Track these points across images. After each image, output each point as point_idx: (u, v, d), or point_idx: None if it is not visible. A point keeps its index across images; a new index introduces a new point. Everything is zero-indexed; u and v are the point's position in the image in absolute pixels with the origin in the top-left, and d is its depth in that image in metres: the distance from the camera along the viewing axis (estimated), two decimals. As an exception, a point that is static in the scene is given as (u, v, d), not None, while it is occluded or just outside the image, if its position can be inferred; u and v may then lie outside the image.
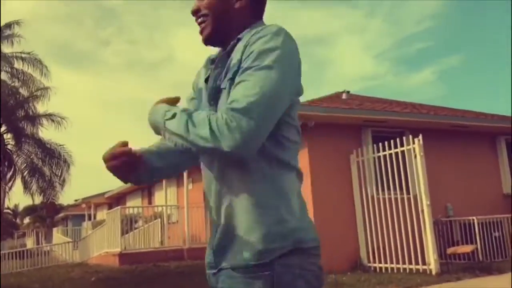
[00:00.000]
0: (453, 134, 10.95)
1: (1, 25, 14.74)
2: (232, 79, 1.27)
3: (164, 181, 15.48)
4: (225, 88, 1.31)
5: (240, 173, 1.27)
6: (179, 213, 14.16)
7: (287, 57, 1.25)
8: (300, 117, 6.35)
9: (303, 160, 9.50)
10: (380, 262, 8.92)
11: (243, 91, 1.17)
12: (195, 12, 1.44)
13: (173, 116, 1.23)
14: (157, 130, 1.30)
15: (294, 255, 1.24)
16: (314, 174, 9.31)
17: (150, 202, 19.34)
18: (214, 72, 1.40)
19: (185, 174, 13.49)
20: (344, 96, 12.10)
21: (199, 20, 1.44)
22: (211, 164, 1.35)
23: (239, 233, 1.26)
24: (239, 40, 1.36)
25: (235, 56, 1.32)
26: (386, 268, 8.77)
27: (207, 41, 1.44)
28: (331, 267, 8.75)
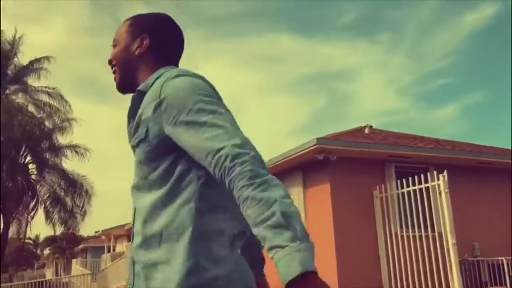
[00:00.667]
0: (478, 171, 10.71)
1: (32, 59, 15.23)
2: (141, 140, 1.28)
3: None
4: (135, 146, 1.32)
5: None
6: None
7: (211, 95, 1.24)
8: (322, 151, 6.31)
9: (324, 195, 9.38)
10: (404, 302, 8.62)
11: (211, 141, 1.14)
12: (109, 62, 1.51)
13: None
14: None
15: None
16: (335, 210, 9.16)
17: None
18: (128, 127, 1.41)
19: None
20: (367, 130, 11.99)
21: (112, 70, 1.50)
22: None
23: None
24: (141, 93, 1.36)
25: (142, 113, 1.31)
26: (411, 309, 8.46)
27: (119, 90, 1.50)
28: (353, 305, 8.49)
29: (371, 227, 9.36)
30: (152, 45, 1.45)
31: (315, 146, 8.98)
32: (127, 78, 1.46)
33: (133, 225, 1.33)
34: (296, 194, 10.36)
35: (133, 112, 1.37)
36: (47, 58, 15.32)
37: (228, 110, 1.24)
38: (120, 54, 1.47)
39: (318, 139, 9.09)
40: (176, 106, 1.21)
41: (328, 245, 9.14)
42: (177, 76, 1.28)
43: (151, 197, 1.25)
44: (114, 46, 1.50)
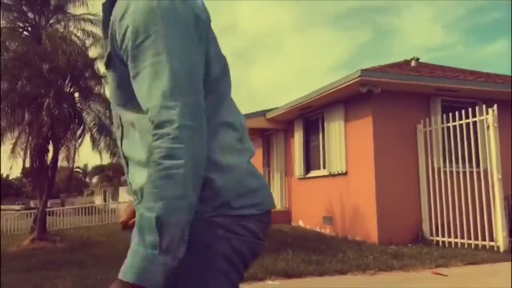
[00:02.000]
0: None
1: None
2: (108, 62, 1.15)
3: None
4: (107, 69, 1.19)
5: None
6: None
7: (170, 21, 1.05)
8: (366, 83, 6.13)
9: (366, 129, 9.23)
10: (443, 236, 8.61)
11: (149, 89, 1.02)
12: None
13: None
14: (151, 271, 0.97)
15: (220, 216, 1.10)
16: (377, 144, 9.04)
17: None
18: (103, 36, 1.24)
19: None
20: (413, 63, 11.52)
21: None
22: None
23: None
24: (108, 4, 1.19)
25: (111, 29, 1.14)
26: (450, 243, 8.45)
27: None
28: (390, 238, 8.57)
29: (413, 161, 9.22)
30: None
31: (359, 78, 8.74)
32: None
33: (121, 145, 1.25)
34: (337, 127, 10.26)
35: (105, 22, 1.20)
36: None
37: (192, 38, 1.07)
38: None
39: (362, 70, 8.81)
40: (126, 31, 1.06)
41: (368, 179, 9.11)
42: None
43: (132, 118, 1.16)
44: None
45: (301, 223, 12.11)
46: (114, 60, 1.14)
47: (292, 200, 12.88)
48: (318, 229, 11.03)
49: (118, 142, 1.25)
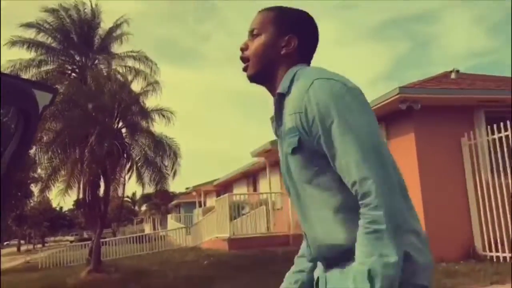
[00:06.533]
0: None
1: (112, 25, 15.89)
2: (294, 148, 1.34)
3: (267, 169, 15.81)
4: (290, 153, 1.37)
5: None
6: (283, 200, 14.38)
7: (350, 103, 1.28)
8: (405, 100, 6.22)
9: (408, 145, 9.17)
10: (497, 251, 8.37)
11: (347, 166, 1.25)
12: (243, 50, 1.50)
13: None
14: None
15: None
16: (422, 160, 8.95)
17: (255, 190, 19.84)
18: (273, 126, 1.49)
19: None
20: (453, 75, 11.39)
21: (244, 58, 1.50)
22: None
23: None
24: (281, 96, 1.40)
25: (288, 120, 1.36)
26: (504, 258, 8.21)
27: (250, 81, 1.51)
28: (441, 255, 8.40)
29: (459, 176, 9.06)
30: (298, 47, 1.47)
31: (397, 96, 8.73)
32: (264, 73, 1.47)
33: (304, 224, 1.46)
34: (379, 145, 10.20)
35: (278, 115, 1.44)
36: (126, 21, 15.88)
37: (368, 114, 1.30)
38: (264, 48, 1.46)
39: (400, 88, 8.81)
40: (314, 120, 1.29)
41: (415, 197, 8.97)
42: (316, 80, 1.32)
43: (326, 199, 1.35)
44: (253, 34, 1.49)
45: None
46: (302, 147, 1.33)
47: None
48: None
49: (294, 200, 1.46)
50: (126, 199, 49.07)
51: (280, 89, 1.41)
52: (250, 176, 20.75)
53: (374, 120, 1.31)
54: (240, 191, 20.31)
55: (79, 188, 14.01)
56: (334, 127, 1.25)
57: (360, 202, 1.23)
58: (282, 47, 1.46)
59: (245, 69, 1.50)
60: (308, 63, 1.51)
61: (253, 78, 1.50)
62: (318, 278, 1.47)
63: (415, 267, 1.29)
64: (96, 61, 15.80)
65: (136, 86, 14.29)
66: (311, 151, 1.32)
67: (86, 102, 12.36)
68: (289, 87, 1.39)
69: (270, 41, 1.46)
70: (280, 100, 1.41)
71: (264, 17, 1.49)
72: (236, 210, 14.06)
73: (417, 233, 1.35)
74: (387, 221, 1.20)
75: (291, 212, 13.33)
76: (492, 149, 8.66)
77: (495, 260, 8.29)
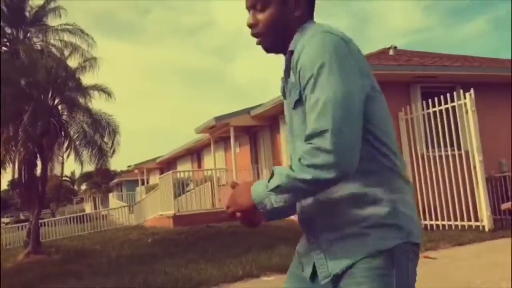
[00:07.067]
0: (508, 87, 10.48)
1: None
2: (298, 101, 1.36)
3: (212, 146, 15.76)
4: (294, 109, 1.40)
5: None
6: (228, 176, 14.45)
7: (335, 61, 1.26)
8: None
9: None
10: (431, 220, 8.84)
11: (313, 119, 1.25)
12: (252, 26, 1.48)
13: (272, 175, 1.31)
14: (263, 205, 1.31)
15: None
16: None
17: (199, 166, 19.80)
18: (282, 85, 1.52)
19: (232, 139, 13.66)
20: (391, 52, 11.73)
21: (256, 34, 1.49)
22: None
23: None
24: (291, 53, 1.40)
25: (292, 75, 1.39)
26: (438, 225, 8.70)
27: (269, 52, 1.52)
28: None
29: (397, 149, 9.41)
30: (307, 3, 1.46)
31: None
32: (282, 41, 1.45)
33: None
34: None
35: (286, 72, 1.45)
36: (61, -5, 15.06)
37: (346, 72, 1.27)
38: (276, 18, 1.44)
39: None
40: (300, 71, 1.31)
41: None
42: (314, 34, 1.33)
43: None
44: (255, 7, 1.46)
45: (293, 217, 12.26)
46: (301, 100, 1.34)
47: (282, 194, 13.04)
48: (309, 221, 11.20)
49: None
50: (65, 178, 47.50)
51: (291, 46, 1.41)
52: (194, 153, 20.65)
53: (355, 80, 1.28)
54: (184, 168, 20.19)
55: (13, 167, 13.40)
56: (311, 80, 1.27)
57: (308, 141, 1.24)
58: (293, 10, 1.44)
59: (259, 43, 1.49)
60: (313, 17, 1.50)
61: (272, 50, 1.50)
62: (313, 263, 1.46)
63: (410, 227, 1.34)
64: (29, 34, 14.95)
65: (73, 61, 13.69)
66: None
67: (19, 78, 11.72)
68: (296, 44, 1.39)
69: (280, 10, 1.44)
70: (290, 58, 1.41)
71: None
72: (181, 187, 13.98)
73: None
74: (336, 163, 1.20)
75: (235, 188, 13.37)
76: (427, 123, 9.06)
77: (429, 228, 8.75)
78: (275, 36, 1.46)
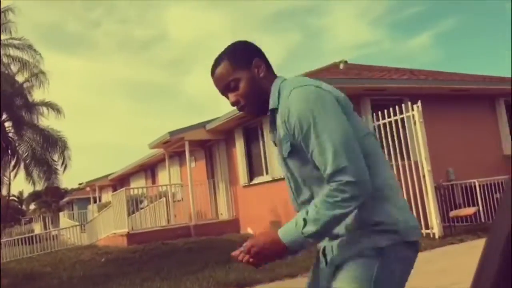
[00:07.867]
0: (453, 99, 10.95)
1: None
2: (291, 151, 1.56)
3: (167, 161, 15.57)
4: (287, 158, 1.60)
5: None
6: (183, 191, 14.28)
7: (322, 108, 1.48)
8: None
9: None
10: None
11: (330, 161, 1.44)
12: (235, 103, 1.68)
13: (306, 222, 1.46)
14: (296, 249, 1.51)
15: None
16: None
17: (154, 182, 19.48)
18: (271, 136, 1.74)
19: (187, 153, 13.55)
20: (341, 66, 12.06)
21: (240, 108, 1.69)
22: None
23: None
24: (273, 111, 1.62)
25: (281, 130, 1.58)
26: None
27: (260, 116, 1.77)
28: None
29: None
30: (264, 62, 1.68)
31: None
32: (260, 104, 1.67)
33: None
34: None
35: (273, 127, 1.67)
36: (10, 9, 14.62)
37: (338, 115, 1.49)
38: (249, 87, 1.64)
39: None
40: (294, 126, 1.50)
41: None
42: (293, 89, 1.53)
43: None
44: (230, 88, 1.65)
45: (249, 231, 12.27)
46: (294, 150, 1.55)
47: (239, 208, 13.03)
48: (266, 235, 11.19)
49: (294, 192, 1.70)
50: (12, 198, 45.61)
51: (272, 104, 1.62)
52: (148, 169, 20.32)
53: (344, 119, 1.49)
54: (138, 185, 19.81)
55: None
56: (310, 130, 1.46)
57: (332, 180, 1.43)
58: (258, 74, 1.65)
59: (245, 111, 1.71)
60: (273, 70, 1.71)
61: (260, 113, 1.72)
62: (324, 247, 1.63)
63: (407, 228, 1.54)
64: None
65: (21, 77, 13.24)
66: (304, 151, 1.52)
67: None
68: (278, 100, 1.59)
69: (250, 79, 1.64)
70: (273, 114, 1.63)
71: (226, 70, 1.64)
72: (134, 204, 13.69)
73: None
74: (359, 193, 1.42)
75: (192, 203, 13.28)
76: (377, 134, 9.30)
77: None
78: (256, 101, 1.66)
